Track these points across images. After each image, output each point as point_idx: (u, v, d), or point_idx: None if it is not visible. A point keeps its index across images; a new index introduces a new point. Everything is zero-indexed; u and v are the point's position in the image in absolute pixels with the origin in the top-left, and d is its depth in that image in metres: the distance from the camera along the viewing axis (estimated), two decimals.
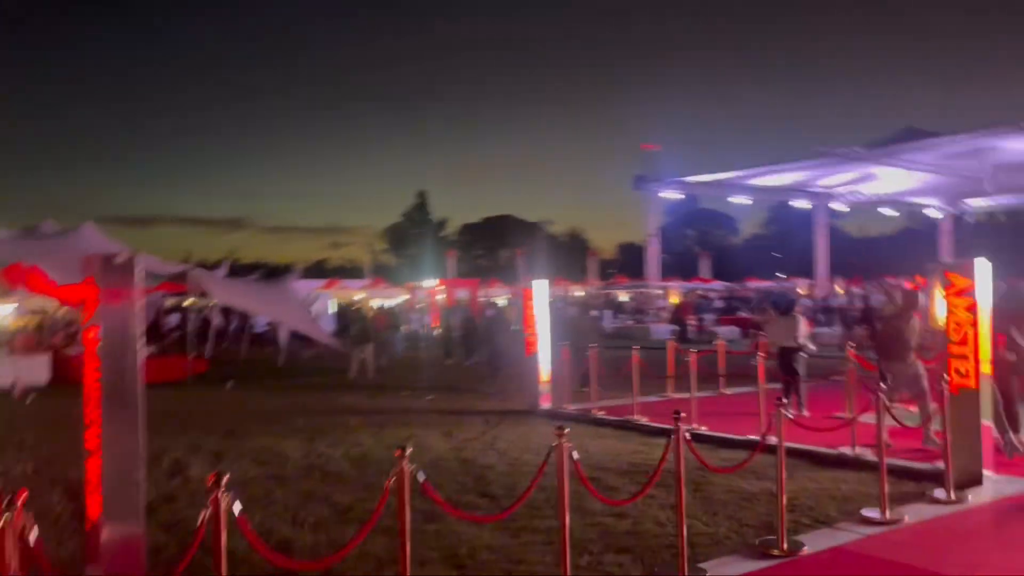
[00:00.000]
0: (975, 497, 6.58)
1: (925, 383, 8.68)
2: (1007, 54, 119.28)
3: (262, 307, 16.84)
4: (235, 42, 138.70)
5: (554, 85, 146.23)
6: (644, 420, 10.77)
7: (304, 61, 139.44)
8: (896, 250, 60.09)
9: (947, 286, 7.08)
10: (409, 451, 4.12)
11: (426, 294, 40.17)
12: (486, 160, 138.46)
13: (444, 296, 34.82)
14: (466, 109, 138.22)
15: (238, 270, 28.74)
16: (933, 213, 35.07)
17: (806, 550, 5.42)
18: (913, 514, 6.18)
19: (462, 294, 33.15)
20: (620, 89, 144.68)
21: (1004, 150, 22.65)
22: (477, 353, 20.00)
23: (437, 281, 42.10)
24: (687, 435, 5.20)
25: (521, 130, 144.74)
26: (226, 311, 25.34)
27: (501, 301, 38.05)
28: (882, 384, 8.66)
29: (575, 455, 4.70)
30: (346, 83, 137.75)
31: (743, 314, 29.14)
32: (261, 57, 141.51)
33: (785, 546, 5.43)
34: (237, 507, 3.59)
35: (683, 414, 5.25)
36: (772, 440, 8.98)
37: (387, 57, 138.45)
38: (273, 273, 30.54)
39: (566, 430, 4.71)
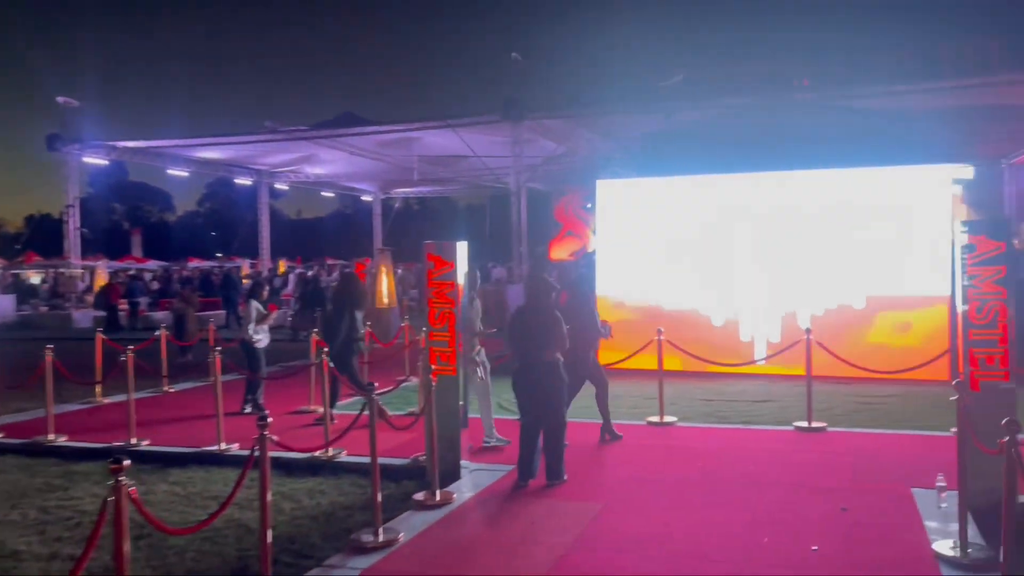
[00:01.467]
0: (459, 494, 6.15)
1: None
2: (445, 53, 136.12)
3: None
4: None
5: None
6: (64, 440, 8.29)
7: None
8: (330, 232, 63.40)
9: (430, 269, 6.58)
10: None
11: None
12: None
13: None
14: None
15: None
16: (367, 198, 37.23)
17: None
18: (407, 527, 5.43)
19: None
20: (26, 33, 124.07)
21: (430, 143, 24.74)
22: None
23: None
24: (131, 488, 3.50)
25: None
26: None
27: None
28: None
29: None
30: None
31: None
32: None
33: None
34: None
35: (126, 462, 3.52)
36: (233, 449, 7.61)
37: None
38: None
39: None
